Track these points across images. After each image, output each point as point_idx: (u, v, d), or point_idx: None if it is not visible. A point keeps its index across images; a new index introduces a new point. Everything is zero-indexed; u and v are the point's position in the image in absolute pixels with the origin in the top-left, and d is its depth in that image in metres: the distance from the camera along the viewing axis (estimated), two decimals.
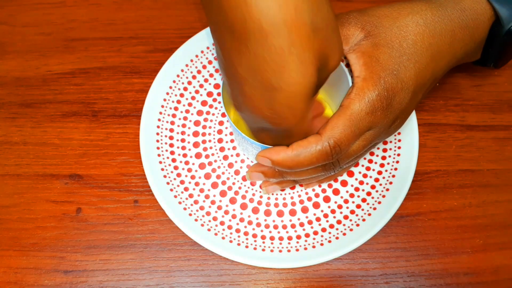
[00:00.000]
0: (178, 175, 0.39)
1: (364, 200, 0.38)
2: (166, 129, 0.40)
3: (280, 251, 0.36)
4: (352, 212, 0.38)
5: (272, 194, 0.38)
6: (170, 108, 0.41)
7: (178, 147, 0.40)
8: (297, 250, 0.36)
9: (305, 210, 0.38)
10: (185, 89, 0.41)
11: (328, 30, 0.25)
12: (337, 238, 0.37)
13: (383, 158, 0.39)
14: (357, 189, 0.38)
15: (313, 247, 0.36)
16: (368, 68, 0.31)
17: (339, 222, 0.37)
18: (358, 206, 0.38)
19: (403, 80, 0.31)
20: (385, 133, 0.33)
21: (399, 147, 0.39)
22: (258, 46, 0.24)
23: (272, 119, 0.27)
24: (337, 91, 0.35)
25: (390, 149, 0.39)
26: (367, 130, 0.31)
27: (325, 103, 0.39)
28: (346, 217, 0.37)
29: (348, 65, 0.33)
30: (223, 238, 0.36)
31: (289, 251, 0.36)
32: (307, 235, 0.37)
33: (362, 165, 0.39)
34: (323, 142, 0.30)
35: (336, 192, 0.38)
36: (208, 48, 0.42)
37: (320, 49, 0.25)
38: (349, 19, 0.32)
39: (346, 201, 0.38)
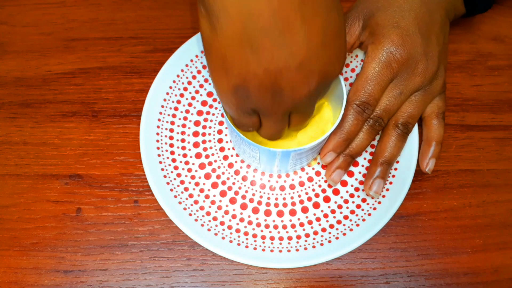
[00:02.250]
0: (178, 175, 0.39)
1: (364, 200, 0.38)
2: (166, 129, 0.40)
3: (280, 251, 0.36)
4: (352, 212, 0.38)
5: (336, 184, 0.38)
6: (170, 108, 0.41)
7: (178, 147, 0.40)
8: (297, 250, 0.36)
9: (305, 210, 0.38)
10: (185, 89, 0.41)
11: (317, 12, 0.25)
12: (337, 238, 0.37)
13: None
14: (357, 189, 0.38)
15: (313, 247, 0.36)
16: (372, 34, 0.36)
17: (339, 222, 0.37)
18: (358, 206, 0.38)
19: (405, 27, 0.35)
20: (414, 78, 0.35)
21: None
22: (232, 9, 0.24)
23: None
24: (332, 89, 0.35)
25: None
26: (390, 81, 0.35)
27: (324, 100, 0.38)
28: (346, 217, 0.37)
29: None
30: (223, 238, 0.36)
31: (289, 251, 0.36)
32: (307, 235, 0.37)
33: (362, 165, 0.39)
34: (352, 106, 0.35)
35: (336, 192, 0.38)
36: None
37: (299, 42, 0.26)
38: (348, 19, 0.38)
39: (346, 201, 0.38)
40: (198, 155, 0.39)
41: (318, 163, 0.39)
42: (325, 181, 0.39)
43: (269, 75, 0.25)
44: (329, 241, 0.36)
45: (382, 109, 0.36)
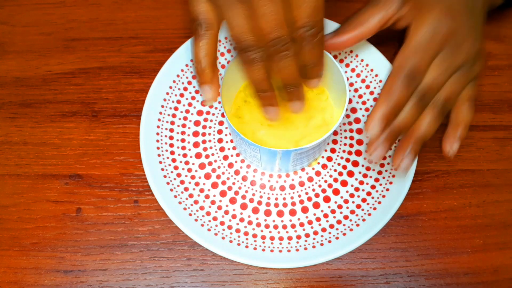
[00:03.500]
0: (178, 175, 0.39)
1: (364, 200, 0.38)
2: (166, 129, 0.40)
3: (280, 251, 0.36)
4: (352, 212, 0.38)
5: (376, 163, 0.37)
6: (170, 108, 0.41)
7: (178, 147, 0.40)
8: (297, 250, 0.36)
9: (305, 210, 0.38)
10: (185, 89, 0.41)
11: None
12: (337, 238, 0.37)
13: (383, 158, 0.39)
14: (357, 189, 0.38)
15: (313, 247, 0.36)
16: (415, 7, 0.35)
17: (339, 222, 0.37)
18: (358, 206, 0.38)
19: (452, 0, 0.34)
20: (459, 54, 0.34)
21: None
22: None
23: None
24: (332, 80, 0.36)
25: (391, 149, 0.39)
26: (436, 55, 0.34)
27: (321, 87, 0.38)
28: (346, 217, 0.37)
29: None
30: (223, 238, 0.36)
31: (289, 251, 0.36)
32: (307, 235, 0.37)
33: (362, 165, 0.39)
34: (399, 77, 0.34)
35: (336, 192, 0.38)
36: None
37: None
38: None
39: (346, 201, 0.38)
40: (198, 155, 0.39)
41: (318, 163, 0.39)
42: (325, 181, 0.39)
43: None
44: (329, 241, 0.36)
45: (430, 83, 0.35)
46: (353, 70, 0.42)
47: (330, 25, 0.42)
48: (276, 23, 0.31)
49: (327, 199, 0.38)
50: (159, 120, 0.40)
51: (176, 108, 0.41)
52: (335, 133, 0.40)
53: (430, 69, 0.35)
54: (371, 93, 0.41)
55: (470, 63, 0.35)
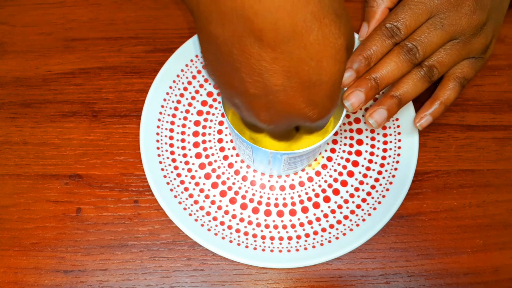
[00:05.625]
0: (178, 175, 0.39)
1: (364, 200, 0.38)
2: (166, 129, 0.40)
3: (280, 251, 0.36)
4: (352, 212, 0.38)
5: (353, 112, 0.35)
6: (170, 108, 0.41)
7: (178, 147, 0.40)
8: (297, 250, 0.36)
9: (305, 210, 0.38)
10: (185, 89, 0.41)
11: (344, 11, 0.25)
12: (337, 238, 0.37)
13: (383, 158, 0.39)
14: (357, 189, 0.38)
15: (313, 247, 0.36)
16: None
17: (339, 222, 0.37)
18: (358, 206, 0.38)
19: None
20: (457, 17, 0.33)
21: (399, 147, 0.39)
22: (294, 47, 0.23)
23: (313, 114, 0.26)
24: None
25: (390, 149, 0.39)
26: (427, 15, 0.33)
27: None
28: (346, 217, 0.37)
29: None
30: (223, 238, 0.36)
31: (289, 251, 0.36)
32: (307, 235, 0.37)
33: (362, 165, 0.39)
34: (380, 28, 0.33)
35: (336, 192, 0.38)
36: None
37: (345, 33, 0.24)
38: None
39: (346, 201, 0.38)
40: (198, 155, 0.39)
41: (318, 163, 0.39)
42: (325, 181, 0.39)
43: None
44: (329, 241, 0.36)
45: (419, 40, 0.33)
46: None
47: None
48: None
49: (327, 199, 0.38)
50: (159, 120, 0.40)
51: (176, 108, 0.41)
52: (335, 133, 0.40)
53: (424, 26, 0.33)
54: None
55: (469, 34, 0.34)
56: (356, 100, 0.32)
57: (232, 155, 0.40)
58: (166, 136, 0.40)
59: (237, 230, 0.37)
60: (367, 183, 0.38)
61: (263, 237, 0.37)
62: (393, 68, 0.33)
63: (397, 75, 0.33)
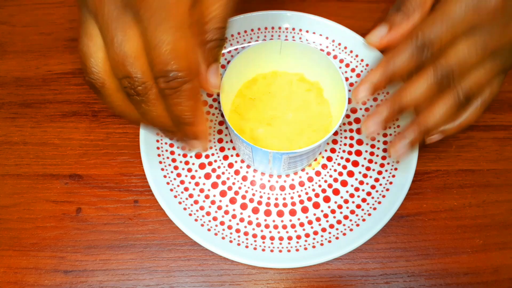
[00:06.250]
0: (178, 175, 0.39)
1: (364, 200, 0.38)
2: None
3: (280, 251, 0.36)
4: (352, 212, 0.38)
5: (374, 139, 0.34)
6: None
7: (178, 147, 0.40)
8: (297, 250, 0.36)
9: (305, 210, 0.38)
10: None
11: None
12: (337, 238, 0.37)
13: (383, 158, 0.39)
14: (357, 189, 0.38)
15: (313, 247, 0.36)
16: None
17: (339, 222, 0.37)
18: (358, 206, 0.38)
19: None
20: (503, 35, 0.29)
21: None
22: None
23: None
24: (331, 81, 0.36)
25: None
26: (468, 29, 0.29)
27: (320, 87, 0.38)
28: (346, 217, 0.37)
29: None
30: (223, 238, 0.36)
31: (289, 251, 0.36)
32: (307, 235, 0.37)
33: (362, 165, 0.39)
34: (413, 40, 0.29)
35: (336, 192, 0.38)
36: None
37: None
38: None
39: (346, 201, 0.38)
40: (198, 155, 0.39)
41: (319, 163, 0.39)
42: (325, 181, 0.39)
43: None
44: (329, 241, 0.36)
45: (457, 63, 0.29)
46: (353, 70, 0.42)
47: (331, 26, 0.42)
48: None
49: (327, 199, 0.38)
50: None
51: None
52: (335, 133, 0.40)
53: (463, 42, 0.29)
54: None
55: (509, 49, 0.30)
56: (375, 130, 0.31)
57: (232, 155, 0.40)
58: None
59: (237, 230, 0.37)
60: (367, 183, 0.38)
61: (263, 237, 0.37)
62: (422, 93, 0.30)
63: (425, 100, 0.30)
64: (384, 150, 0.39)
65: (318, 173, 0.39)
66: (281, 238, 0.37)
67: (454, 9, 0.29)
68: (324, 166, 0.39)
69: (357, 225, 0.37)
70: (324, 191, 0.38)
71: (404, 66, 0.30)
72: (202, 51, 0.27)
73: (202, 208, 0.38)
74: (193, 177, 0.39)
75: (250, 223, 0.37)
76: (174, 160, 0.39)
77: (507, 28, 0.29)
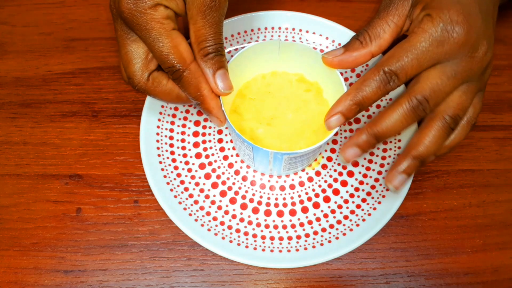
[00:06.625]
0: (178, 175, 0.39)
1: (364, 200, 0.38)
2: (166, 129, 0.40)
3: (280, 251, 0.36)
4: (352, 212, 0.38)
5: (347, 162, 0.35)
6: (170, 108, 0.41)
7: (178, 147, 0.40)
8: (297, 250, 0.36)
9: (305, 210, 0.38)
10: None
11: None
12: (337, 238, 0.37)
13: (383, 158, 0.39)
14: (357, 189, 0.38)
15: (313, 247, 0.36)
16: (426, 8, 0.31)
17: (339, 222, 0.37)
18: (358, 206, 0.38)
19: (466, 4, 0.31)
20: (471, 63, 0.31)
21: (399, 147, 0.39)
22: None
23: None
24: (330, 81, 0.36)
25: (390, 149, 0.39)
26: (433, 63, 0.31)
27: (320, 87, 0.38)
28: (346, 217, 0.37)
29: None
30: (223, 238, 0.36)
31: (289, 251, 0.36)
32: (307, 235, 0.37)
33: (362, 165, 0.39)
34: (379, 71, 0.31)
35: (336, 192, 0.38)
36: None
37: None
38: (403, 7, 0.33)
39: (346, 201, 0.38)
40: (198, 155, 0.39)
41: (319, 163, 0.39)
42: (325, 181, 0.39)
43: None
44: (329, 241, 0.36)
45: (430, 90, 0.31)
46: (353, 70, 0.42)
47: (330, 26, 0.42)
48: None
49: (327, 199, 0.38)
50: (159, 120, 0.40)
51: (176, 108, 0.41)
52: (335, 133, 0.40)
53: (435, 73, 0.31)
54: None
55: (481, 73, 0.32)
56: (352, 155, 0.33)
57: (232, 155, 0.40)
58: (166, 136, 0.40)
59: (237, 230, 0.37)
60: (367, 183, 0.38)
61: (263, 237, 0.37)
62: (397, 122, 0.32)
63: (401, 129, 0.32)
64: (384, 150, 0.39)
65: (318, 173, 0.39)
66: (281, 238, 0.37)
67: (420, 42, 0.30)
68: (324, 166, 0.39)
69: (357, 225, 0.37)
70: (324, 191, 0.38)
71: (370, 96, 0.31)
72: (204, 62, 0.32)
73: (202, 208, 0.38)
74: (193, 177, 0.39)
75: (250, 223, 0.37)
76: (174, 160, 0.39)
77: (473, 58, 0.31)
